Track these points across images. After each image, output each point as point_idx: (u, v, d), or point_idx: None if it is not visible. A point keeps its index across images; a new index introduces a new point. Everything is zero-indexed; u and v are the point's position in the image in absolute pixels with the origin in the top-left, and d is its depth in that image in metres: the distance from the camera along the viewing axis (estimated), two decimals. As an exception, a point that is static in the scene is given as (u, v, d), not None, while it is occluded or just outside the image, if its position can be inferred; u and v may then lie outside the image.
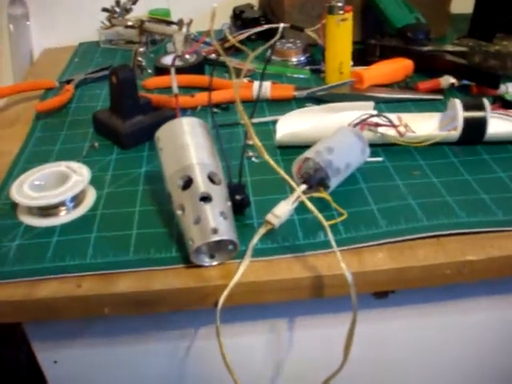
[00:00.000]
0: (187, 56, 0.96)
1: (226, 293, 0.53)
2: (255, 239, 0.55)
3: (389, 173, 0.69)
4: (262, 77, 0.67)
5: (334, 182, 0.63)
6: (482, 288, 0.65)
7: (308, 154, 0.64)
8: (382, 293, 0.64)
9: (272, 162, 0.56)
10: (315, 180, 0.62)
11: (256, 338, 0.67)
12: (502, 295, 0.67)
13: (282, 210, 0.56)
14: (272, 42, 0.66)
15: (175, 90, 0.69)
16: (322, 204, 0.61)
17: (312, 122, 0.73)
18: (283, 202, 0.57)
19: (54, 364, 0.67)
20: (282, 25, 0.70)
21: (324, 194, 0.61)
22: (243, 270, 0.54)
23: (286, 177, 0.57)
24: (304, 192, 0.58)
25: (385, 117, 0.72)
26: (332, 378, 0.51)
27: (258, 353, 0.68)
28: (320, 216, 0.54)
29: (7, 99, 0.99)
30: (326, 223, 0.54)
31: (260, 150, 0.57)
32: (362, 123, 0.71)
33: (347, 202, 0.63)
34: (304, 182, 0.60)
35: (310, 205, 0.55)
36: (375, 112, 0.72)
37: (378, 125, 0.72)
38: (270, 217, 0.56)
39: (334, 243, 0.53)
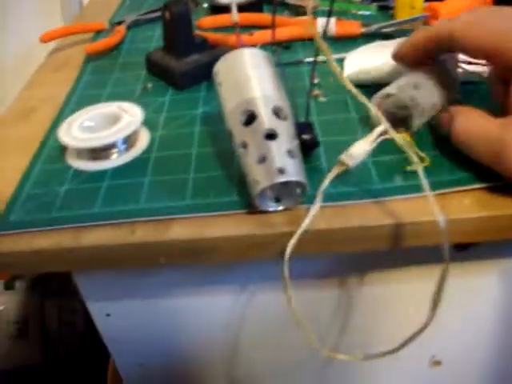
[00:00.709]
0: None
1: (293, 241, 0.47)
2: (326, 181, 0.48)
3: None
4: (330, 12, 0.59)
5: (417, 122, 0.56)
6: None
7: (390, 89, 0.56)
8: (462, 245, 0.57)
9: (351, 86, 0.49)
10: (397, 119, 0.54)
11: (323, 294, 0.62)
12: None
13: (359, 151, 0.49)
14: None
15: (235, 17, 0.62)
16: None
17: (384, 58, 0.66)
18: (361, 141, 0.50)
19: (107, 317, 0.63)
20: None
21: (406, 135, 0.54)
22: (313, 215, 0.48)
23: (372, 108, 0.49)
24: (383, 132, 0.50)
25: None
26: (416, 336, 0.45)
27: (324, 309, 0.63)
28: (414, 156, 0.47)
29: (57, 43, 0.94)
30: (418, 162, 0.46)
31: (339, 75, 0.50)
32: (450, 58, 0.62)
33: (431, 145, 0.56)
34: None
35: (400, 141, 0.47)
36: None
37: (466, 62, 0.63)
38: (344, 157, 0.49)
39: (426, 185, 0.45)
